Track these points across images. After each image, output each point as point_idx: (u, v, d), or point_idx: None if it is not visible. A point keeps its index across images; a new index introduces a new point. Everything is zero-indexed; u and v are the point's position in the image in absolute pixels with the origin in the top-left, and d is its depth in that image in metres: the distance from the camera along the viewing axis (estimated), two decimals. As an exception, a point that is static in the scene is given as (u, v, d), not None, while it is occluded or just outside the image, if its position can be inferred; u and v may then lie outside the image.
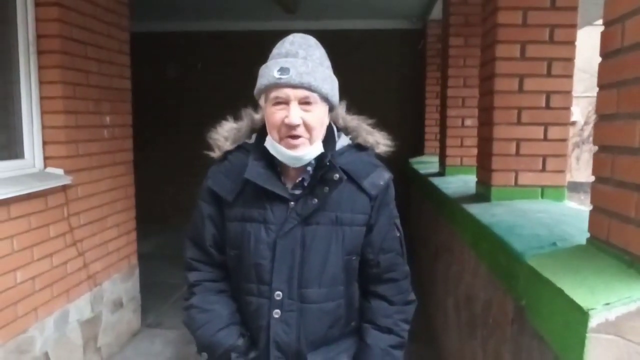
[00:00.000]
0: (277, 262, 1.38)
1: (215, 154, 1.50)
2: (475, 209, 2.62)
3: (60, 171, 2.88)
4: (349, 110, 1.55)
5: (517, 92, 2.69)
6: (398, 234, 1.50)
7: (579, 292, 1.26)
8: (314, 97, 1.32)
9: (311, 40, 1.39)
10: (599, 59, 1.48)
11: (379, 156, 1.50)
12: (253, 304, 1.43)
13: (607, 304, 1.17)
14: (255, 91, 1.40)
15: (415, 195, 5.81)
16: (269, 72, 1.33)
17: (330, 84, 1.38)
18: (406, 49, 7.04)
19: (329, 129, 1.47)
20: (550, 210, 2.45)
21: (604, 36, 1.46)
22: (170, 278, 5.06)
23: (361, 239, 1.44)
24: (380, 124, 1.59)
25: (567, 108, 2.71)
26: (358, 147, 1.48)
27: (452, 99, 4.42)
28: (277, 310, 1.40)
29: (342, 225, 1.41)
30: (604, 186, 1.45)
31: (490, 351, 2.21)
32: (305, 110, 1.33)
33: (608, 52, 1.44)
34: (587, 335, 1.17)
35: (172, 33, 7.15)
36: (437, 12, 5.59)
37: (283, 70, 1.30)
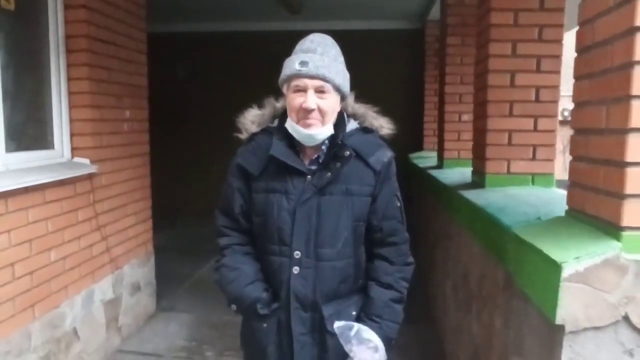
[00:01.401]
0: (297, 226, 1.63)
1: (243, 135, 1.75)
2: (470, 195, 2.85)
3: (86, 161, 3.12)
4: (357, 99, 1.81)
5: (509, 86, 2.91)
6: (398, 204, 1.74)
7: (554, 250, 1.49)
8: (327, 87, 1.58)
9: (328, 40, 1.65)
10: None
11: (382, 138, 1.74)
12: (275, 262, 1.67)
13: (577, 257, 1.40)
14: (280, 80, 1.66)
15: (415, 189, 6.03)
16: (291, 64, 1.59)
17: (342, 77, 1.63)
18: (406, 48, 7.27)
19: (340, 114, 1.72)
20: (538, 194, 2.68)
21: (579, 34, 1.70)
22: (181, 268, 5.30)
23: (367, 208, 1.68)
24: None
25: (555, 101, 2.94)
26: (365, 129, 1.74)
27: (450, 96, 4.64)
28: (296, 267, 1.64)
29: (352, 195, 1.65)
30: (579, 163, 1.68)
31: (484, 321, 2.45)
32: (320, 98, 1.58)
33: (581, 48, 1.67)
34: (561, 284, 1.40)
35: (180, 33, 7.36)
36: (435, 13, 5.82)
37: (303, 63, 1.56)
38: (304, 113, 1.58)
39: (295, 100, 1.59)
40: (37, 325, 2.68)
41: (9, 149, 2.67)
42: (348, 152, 1.63)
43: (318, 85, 1.57)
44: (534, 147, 2.94)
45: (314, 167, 1.66)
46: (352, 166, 1.65)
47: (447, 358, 3.34)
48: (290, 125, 1.64)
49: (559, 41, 2.87)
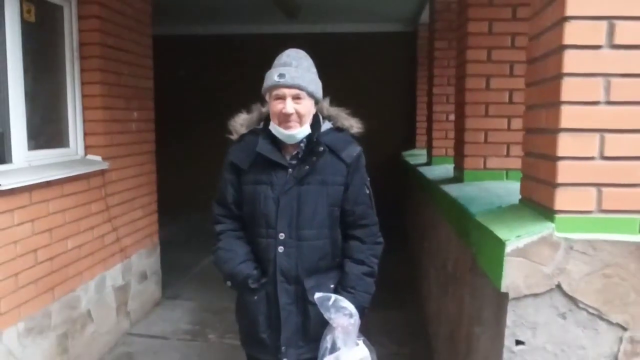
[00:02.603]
0: (280, 212, 1.92)
1: (234, 136, 2.06)
2: (449, 188, 3.12)
3: (99, 158, 3.41)
4: (332, 103, 2.10)
5: (485, 89, 3.18)
6: (368, 192, 2.03)
7: (501, 231, 1.77)
8: (302, 94, 1.89)
9: (301, 54, 1.96)
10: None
11: (353, 135, 2.04)
12: (263, 243, 1.97)
13: (518, 236, 1.68)
14: (262, 90, 1.97)
15: (407, 186, 6.33)
16: (271, 76, 1.90)
17: (315, 85, 1.94)
18: (399, 50, 7.55)
19: (316, 116, 2.01)
20: (509, 188, 2.95)
21: (528, 48, 1.98)
22: (184, 260, 5.59)
23: (340, 195, 1.97)
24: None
25: (527, 103, 3.22)
26: (337, 129, 2.04)
27: (438, 96, 4.93)
28: (281, 247, 1.93)
29: (327, 185, 1.95)
30: (528, 158, 1.97)
31: (456, 300, 2.73)
32: (297, 103, 1.89)
33: (530, 60, 1.95)
34: (505, 258, 1.68)
35: (181, 36, 7.65)
36: (426, 17, 6.08)
37: (281, 75, 1.87)
38: (285, 117, 1.88)
39: (276, 106, 1.89)
40: (57, 306, 2.97)
41: (30, 147, 2.95)
42: (322, 148, 1.93)
43: (295, 93, 1.87)
44: (508, 144, 3.21)
45: (294, 162, 1.96)
46: (327, 160, 1.95)
47: (430, 339, 3.63)
48: (274, 127, 1.93)
49: (530, 48, 3.14)
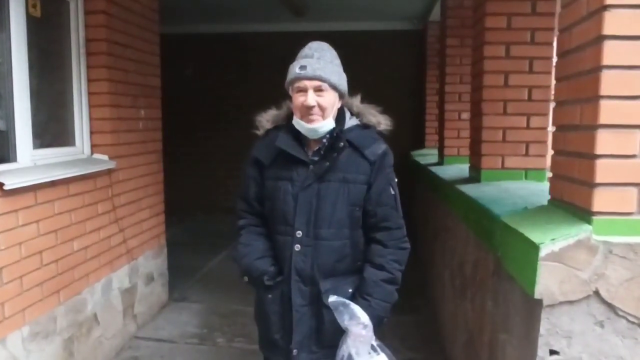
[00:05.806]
0: (299, 209, 1.85)
1: (260, 132, 1.99)
2: (466, 188, 3.03)
3: (105, 157, 3.32)
4: (363, 100, 2.02)
5: (503, 86, 3.09)
6: (393, 193, 1.92)
7: (534, 233, 1.67)
8: (324, 85, 1.81)
9: (325, 45, 1.89)
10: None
11: (380, 133, 1.95)
12: (281, 240, 1.91)
13: (553, 239, 1.58)
14: (285, 84, 1.89)
15: (417, 186, 6.22)
16: (293, 69, 1.84)
17: (337, 76, 1.86)
18: (408, 48, 7.45)
19: (341, 111, 1.93)
20: (530, 188, 2.86)
21: (559, 40, 1.88)
22: (191, 261, 5.50)
23: (362, 194, 1.87)
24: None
25: (547, 100, 3.11)
26: (364, 126, 1.95)
27: (450, 95, 4.83)
28: (298, 245, 1.86)
29: (348, 183, 1.86)
30: (559, 157, 1.87)
31: (477, 305, 2.63)
32: (319, 95, 1.81)
33: (561, 53, 1.85)
34: (539, 263, 1.58)
35: (188, 34, 7.56)
36: (436, 14, 5.99)
37: (302, 67, 1.81)
38: (306, 110, 1.81)
39: (298, 99, 1.83)
40: (62, 309, 2.88)
41: (35, 146, 2.86)
42: (342, 143, 1.85)
43: (316, 85, 1.80)
44: (527, 143, 3.12)
45: (316, 158, 1.88)
46: (350, 157, 1.86)
47: (446, 344, 3.53)
48: (296, 121, 1.87)
49: (550, 43, 3.04)
